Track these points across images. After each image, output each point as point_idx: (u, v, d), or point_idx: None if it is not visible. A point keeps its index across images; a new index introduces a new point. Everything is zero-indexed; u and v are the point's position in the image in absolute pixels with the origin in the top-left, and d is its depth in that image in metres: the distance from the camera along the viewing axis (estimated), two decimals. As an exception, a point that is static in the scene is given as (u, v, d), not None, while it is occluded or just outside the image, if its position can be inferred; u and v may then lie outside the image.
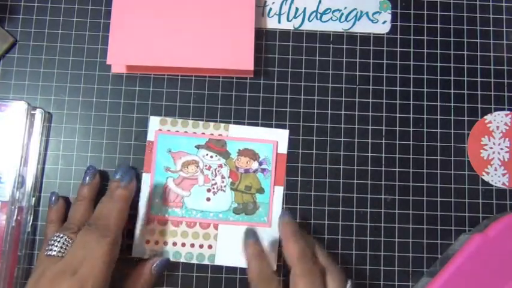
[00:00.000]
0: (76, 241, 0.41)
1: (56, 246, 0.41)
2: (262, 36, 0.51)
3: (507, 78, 0.51)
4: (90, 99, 0.50)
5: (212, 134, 0.49)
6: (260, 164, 0.48)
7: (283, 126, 0.50)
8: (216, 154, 0.48)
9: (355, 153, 0.49)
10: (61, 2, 0.51)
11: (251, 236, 0.45)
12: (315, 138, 0.50)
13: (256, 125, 0.50)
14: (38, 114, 0.48)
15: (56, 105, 0.50)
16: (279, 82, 0.50)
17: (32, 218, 0.47)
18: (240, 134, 0.49)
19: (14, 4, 0.51)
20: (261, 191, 0.48)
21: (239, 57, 0.48)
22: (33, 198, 0.47)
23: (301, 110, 0.50)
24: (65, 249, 0.41)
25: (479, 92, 0.51)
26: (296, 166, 0.49)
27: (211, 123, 0.49)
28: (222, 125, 0.49)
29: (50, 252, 0.41)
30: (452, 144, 0.50)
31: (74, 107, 0.50)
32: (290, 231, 0.44)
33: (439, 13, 0.52)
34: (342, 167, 0.49)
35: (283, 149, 0.49)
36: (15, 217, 0.46)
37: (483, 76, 0.51)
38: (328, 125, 0.50)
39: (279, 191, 0.48)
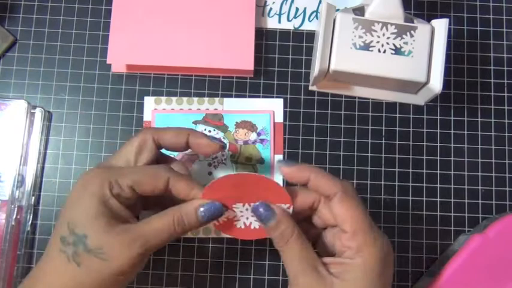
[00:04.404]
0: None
1: None
2: (262, 36, 0.51)
3: (507, 79, 0.51)
4: (90, 98, 0.50)
5: (208, 109, 0.49)
6: (258, 134, 0.49)
7: (283, 126, 0.50)
8: (214, 128, 0.49)
9: (355, 153, 0.49)
10: (61, 1, 0.51)
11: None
12: (314, 138, 0.49)
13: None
14: (38, 113, 0.48)
15: (56, 104, 0.49)
16: (279, 82, 0.50)
17: (31, 217, 0.47)
18: (235, 107, 0.49)
19: (14, 3, 0.51)
20: (261, 161, 0.48)
21: (239, 57, 0.48)
22: (33, 198, 0.47)
23: (301, 110, 0.50)
24: None
25: (478, 93, 0.50)
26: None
27: (206, 99, 0.49)
28: (217, 99, 0.49)
29: None
30: (452, 145, 0.50)
31: (74, 106, 0.49)
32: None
33: (439, 13, 0.52)
34: (341, 167, 0.49)
35: (280, 118, 0.49)
36: (14, 216, 0.46)
37: (483, 77, 0.51)
38: (328, 125, 0.50)
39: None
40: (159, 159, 0.41)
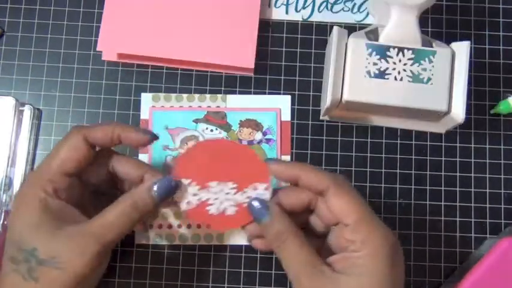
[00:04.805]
0: None
1: None
2: (268, 28, 0.49)
3: None
4: (83, 95, 0.48)
5: (209, 107, 0.47)
6: (264, 134, 0.47)
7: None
8: (216, 127, 0.47)
9: (368, 155, 0.47)
10: (52, -10, 0.50)
11: None
12: (324, 138, 0.47)
13: (262, 123, 0.48)
14: (27, 110, 0.47)
15: (46, 101, 0.48)
16: (286, 77, 0.48)
17: (19, 222, 0.45)
18: (239, 104, 0.48)
19: (1, -8, 0.50)
20: None
21: (239, 53, 0.46)
22: (21, 202, 0.45)
23: (310, 108, 0.48)
24: None
25: (487, 88, 0.48)
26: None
27: (208, 95, 0.48)
28: (219, 95, 0.48)
29: None
30: (473, 145, 0.47)
31: (65, 103, 0.48)
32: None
33: (458, 31, 0.49)
34: (353, 169, 0.47)
35: (287, 116, 0.47)
36: (2, 222, 0.44)
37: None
38: (339, 124, 0.47)
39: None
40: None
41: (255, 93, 0.48)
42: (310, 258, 0.34)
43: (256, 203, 0.36)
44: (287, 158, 0.47)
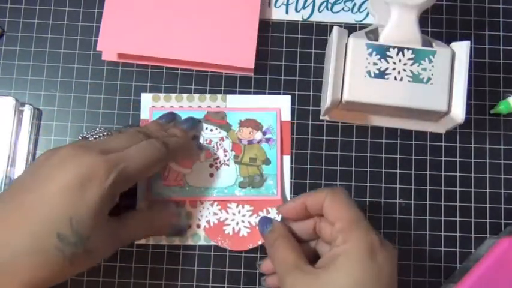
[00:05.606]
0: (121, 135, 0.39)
1: (94, 134, 0.41)
2: (268, 28, 0.48)
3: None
4: (83, 94, 0.48)
5: (209, 107, 0.47)
6: (264, 133, 0.47)
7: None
8: (216, 127, 0.47)
9: (368, 154, 0.47)
10: (52, -10, 0.49)
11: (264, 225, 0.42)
12: (324, 138, 0.47)
13: (262, 123, 0.47)
14: (27, 110, 0.46)
15: (46, 101, 0.47)
16: (286, 77, 0.48)
17: (19, 222, 0.44)
18: (239, 104, 0.47)
19: (1, -8, 0.49)
20: (267, 162, 0.46)
21: (239, 53, 0.46)
22: (21, 202, 0.45)
23: (310, 108, 0.47)
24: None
25: (487, 88, 0.48)
26: (304, 168, 0.46)
27: (208, 95, 0.47)
28: (219, 95, 0.47)
29: (83, 135, 0.41)
30: (473, 145, 0.47)
31: (65, 103, 0.47)
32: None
33: (458, 30, 0.49)
34: (353, 169, 0.47)
35: (287, 116, 0.47)
36: None
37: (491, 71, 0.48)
38: (339, 124, 0.47)
39: (287, 161, 0.46)
40: None
41: (255, 93, 0.47)
42: (296, 260, 0.37)
43: (263, 218, 0.42)
44: (287, 158, 0.46)
